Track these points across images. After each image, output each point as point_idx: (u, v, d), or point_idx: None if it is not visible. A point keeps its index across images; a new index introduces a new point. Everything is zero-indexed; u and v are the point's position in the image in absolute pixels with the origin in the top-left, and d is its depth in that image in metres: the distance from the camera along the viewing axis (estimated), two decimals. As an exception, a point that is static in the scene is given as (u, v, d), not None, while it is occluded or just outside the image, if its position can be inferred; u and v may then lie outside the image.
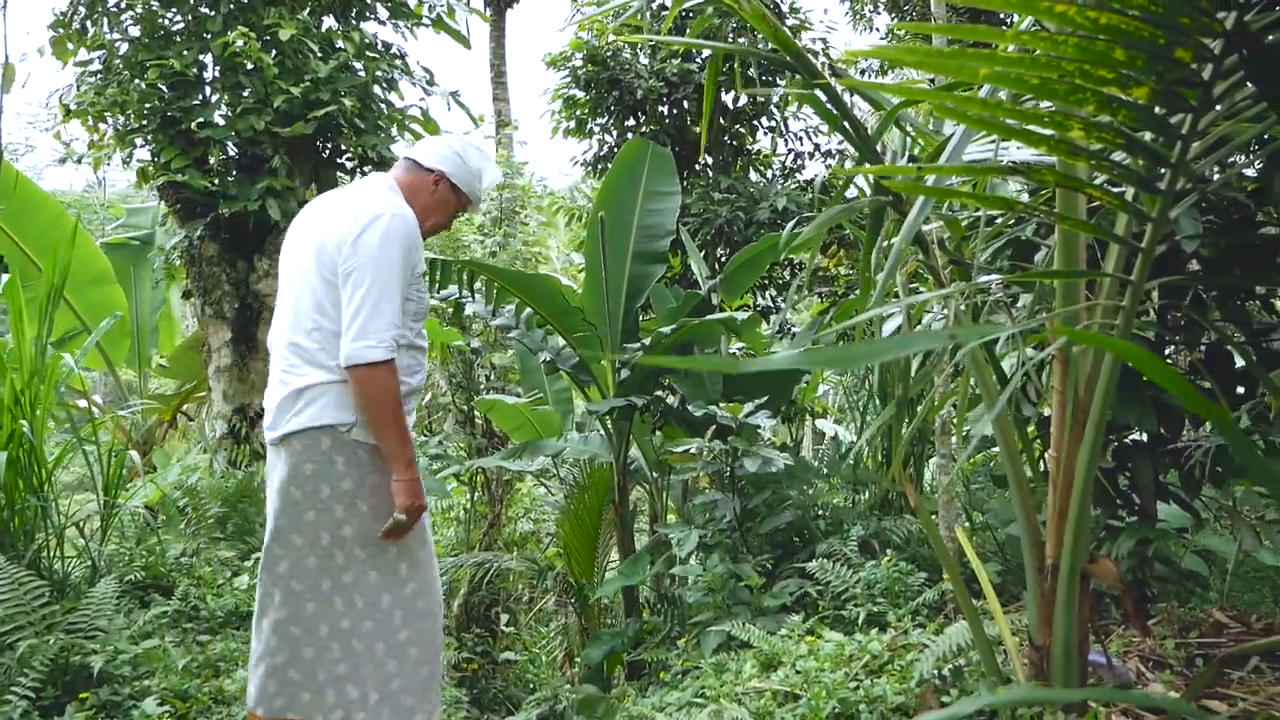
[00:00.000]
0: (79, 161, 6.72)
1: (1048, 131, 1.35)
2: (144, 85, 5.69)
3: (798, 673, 2.72)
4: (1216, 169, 2.32)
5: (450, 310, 6.44)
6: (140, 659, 2.98)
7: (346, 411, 2.22)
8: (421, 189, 2.44)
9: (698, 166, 9.51)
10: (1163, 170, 1.46)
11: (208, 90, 6.00)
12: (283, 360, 2.29)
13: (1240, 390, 2.66)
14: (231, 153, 6.05)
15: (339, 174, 6.55)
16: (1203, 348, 2.69)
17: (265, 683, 2.21)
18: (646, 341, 5.59)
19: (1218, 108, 1.38)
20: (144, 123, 5.83)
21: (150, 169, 6.12)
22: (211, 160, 5.90)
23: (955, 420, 3.15)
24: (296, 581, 2.23)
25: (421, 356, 2.44)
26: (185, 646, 3.38)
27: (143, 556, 3.97)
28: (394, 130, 6.56)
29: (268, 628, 2.23)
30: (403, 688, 2.25)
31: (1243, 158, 2.39)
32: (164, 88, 5.75)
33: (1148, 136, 1.44)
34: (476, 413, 9.96)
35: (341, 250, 2.21)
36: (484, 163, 2.55)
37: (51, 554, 3.51)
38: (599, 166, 9.67)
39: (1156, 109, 1.34)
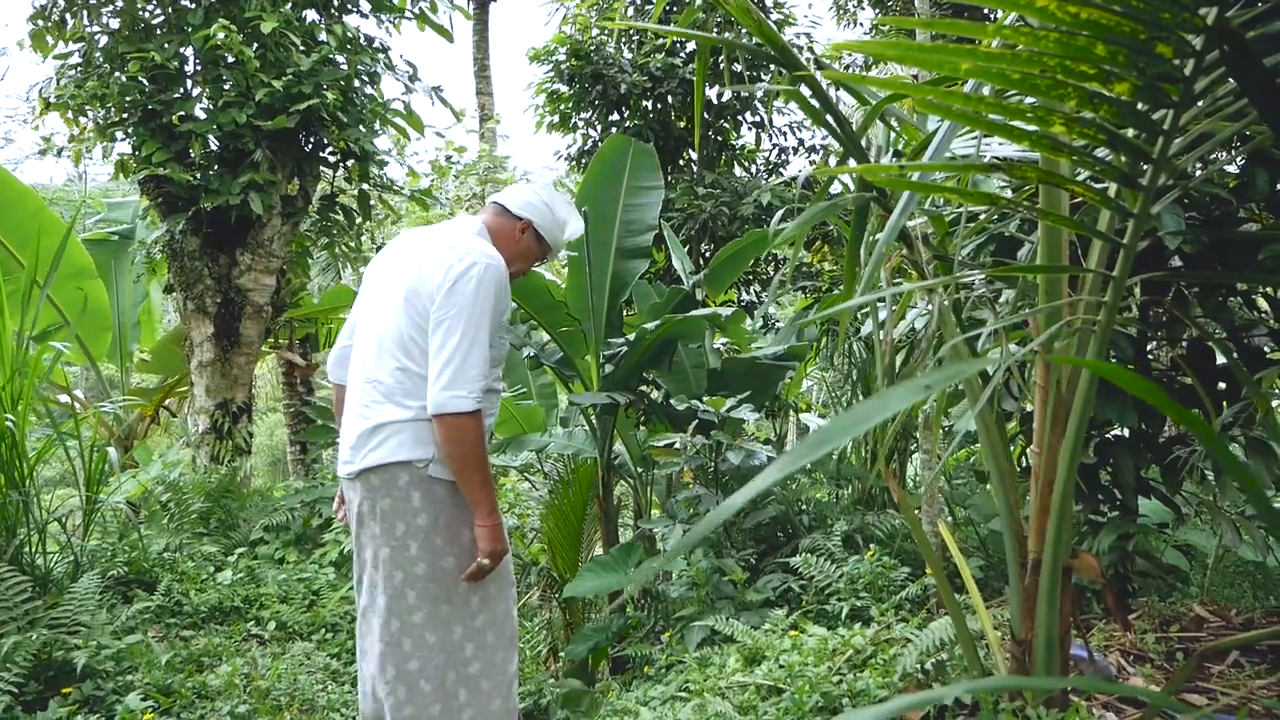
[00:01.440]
0: (59, 155, 6.65)
1: (1030, 127, 1.36)
2: (124, 78, 5.63)
3: (781, 667, 2.73)
4: (1199, 165, 2.34)
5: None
6: (123, 654, 2.96)
7: (423, 448, 2.24)
8: (509, 236, 2.48)
9: (682, 162, 9.51)
10: (1145, 166, 1.47)
11: (189, 83, 5.94)
12: (362, 394, 2.32)
13: (1222, 386, 2.68)
14: (213, 146, 6.00)
15: (321, 168, 6.51)
16: (1184, 344, 2.72)
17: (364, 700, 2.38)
18: (631, 337, 5.59)
19: (1199, 104, 1.39)
20: (124, 116, 5.77)
21: (131, 162, 6.06)
22: (193, 154, 5.85)
23: (937, 415, 3.16)
24: (374, 616, 2.29)
25: (497, 399, 2.48)
26: (168, 642, 3.36)
27: (125, 552, 3.95)
28: (377, 125, 6.52)
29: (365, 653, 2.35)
30: (473, 719, 2.27)
31: (1224, 154, 2.41)
32: (144, 81, 5.69)
33: (1130, 132, 1.45)
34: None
35: (434, 299, 2.23)
36: (570, 214, 2.59)
37: (34, 549, 3.48)
38: (583, 161, 9.66)
39: (1138, 104, 1.34)
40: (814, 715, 2.21)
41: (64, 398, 7.21)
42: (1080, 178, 1.84)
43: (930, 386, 1.00)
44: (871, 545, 4.16)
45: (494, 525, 2.26)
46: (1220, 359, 2.61)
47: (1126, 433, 2.84)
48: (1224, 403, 2.62)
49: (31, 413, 3.75)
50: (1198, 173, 2.28)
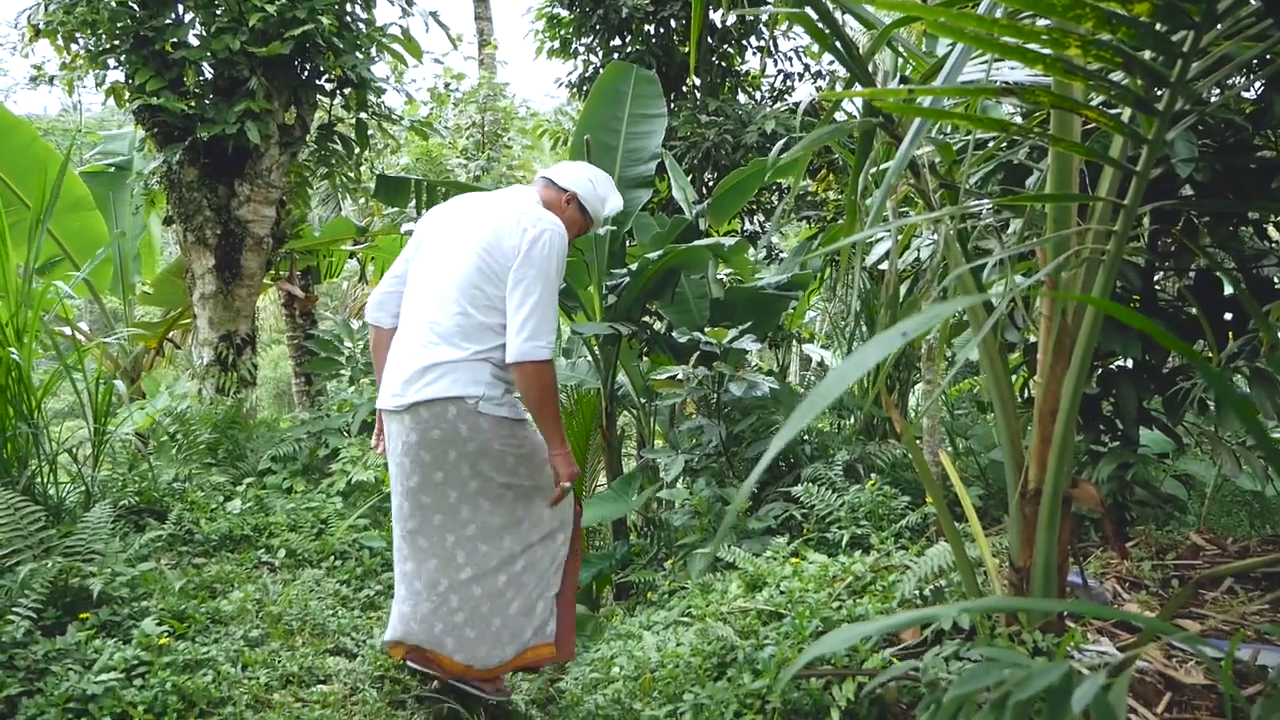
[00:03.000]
0: (51, 83, 6.53)
1: (1045, 50, 1.32)
2: (114, 3, 5.49)
3: (782, 593, 2.78)
4: (1215, 91, 2.28)
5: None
6: (137, 581, 3.02)
7: (474, 386, 2.47)
8: (557, 206, 2.74)
9: (685, 89, 9.31)
10: (1161, 91, 1.44)
11: (180, 9, 5.79)
12: (418, 335, 2.53)
13: (1228, 317, 2.67)
14: (207, 74, 5.88)
15: (319, 96, 6.39)
16: (1192, 274, 2.70)
17: (403, 621, 2.62)
18: (633, 267, 5.55)
19: (1220, 25, 1.35)
20: (116, 43, 5.64)
21: (123, 90, 5.94)
22: (187, 82, 5.73)
23: (940, 346, 3.16)
24: (423, 538, 2.56)
25: None
26: (181, 569, 3.43)
27: (135, 482, 4.00)
28: (373, 50, 6.38)
29: (399, 575, 2.61)
30: (521, 609, 2.62)
31: (1241, 79, 2.35)
32: (135, 6, 5.54)
33: (1147, 55, 1.41)
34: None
35: (513, 257, 2.49)
36: (609, 191, 2.87)
37: (45, 480, 3.53)
38: (584, 88, 9.46)
39: (1157, 25, 1.31)
40: (814, 639, 2.26)
41: (68, 330, 7.22)
42: (1094, 103, 1.80)
43: (907, 334, 1.01)
44: (873, 475, 4.20)
45: (566, 453, 2.60)
46: (1228, 290, 2.59)
47: (1130, 363, 2.84)
48: (1229, 334, 2.61)
49: (37, 345, 3.76)
50: (1214, 98, 2.22)
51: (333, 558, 3.86)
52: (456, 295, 2.49)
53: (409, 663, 2.77)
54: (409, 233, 6.85)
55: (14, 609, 2.60)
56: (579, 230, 2.83)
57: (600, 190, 2.83)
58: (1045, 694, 1.13)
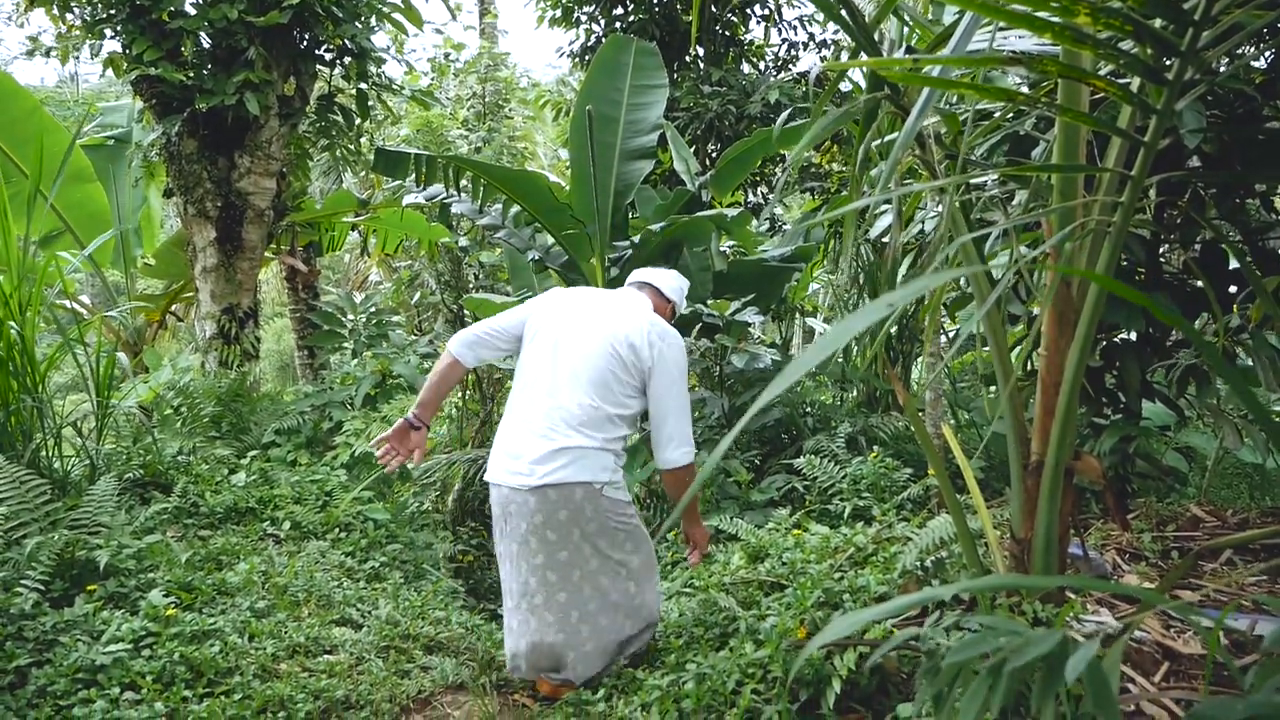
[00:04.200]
0: (47, 55, 6.46)
1: (1053, 18, 1.30)
2: (109, -30, 5.43)
3: (784, 564, 2.80)
4: (1225, 61, 2.25)
5: (436, 211, 6.33)
6: (144, 553, 3.04)
7: (601, 472, 2.70)
8: (664, 313, 3.04)
9: (687, 58, 9.21)
10: (1170, 60, 1.42)
11: (177, -24, 5.72)
12: (545, 418, 2.73)
13: (1233, 290, 2.66)
14: (205, 44, 5.82)
15: (318, 66, 6.33)
16: (1197, 247, 2.68)
17: (532, 653, 2.78)
18: (636, 239, 5.53)
19: (1231, -7, 1.33)
20: (111, 12, 5.57)
21: (121, 61, 5.88)
22: (185, 52, 5.68)
23: (933, 319, 3.15)
24: (550, 614, 2.75)
25: None
26: (187, 541, 3.45)
27: (140, 455, 4.01)
28: (373, 20, 6.31)
29: (528, 609, 2.78)
30: (610, 625, 2.81)
31: (1251, 49, 2.33)
32: (131, -27, 5.48)
33: (1157, 23, 1.39)
34: (466, 311, 9.92)
35: (645, 358, 2.76)
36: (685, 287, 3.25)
37: (50, 453, 3.54)
38: (585, 58, 9.37)
39: (1167, -6, 1.29)
40: (815, 610, 2.27)
41: (69, 304, 7.21)
42: (1103, 72, 1.78)
43: (893, 305, 1.02)
44: (875, 447, 4.21)
45: (703, 529, 3.06)
46: (1234, 263, 2.57)
47: (1134, 336, 2.83)
48: (1234, 307, 2.60)
49: (40, 319, 3.76)
50: (1223, 68, 2.20)
51: (337, 530, 3.88)
52: (588, 387, 2.73)
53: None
54: (411, 206, 6.83)
55: (22, 581, 2.62)
56: None
57: (684, 298, 3.21)
58: (1041, 662, 1.14)
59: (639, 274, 3.15)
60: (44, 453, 3.52)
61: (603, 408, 2.73)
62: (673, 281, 3.15)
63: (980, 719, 1.13)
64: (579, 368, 2.76)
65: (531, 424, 2.75)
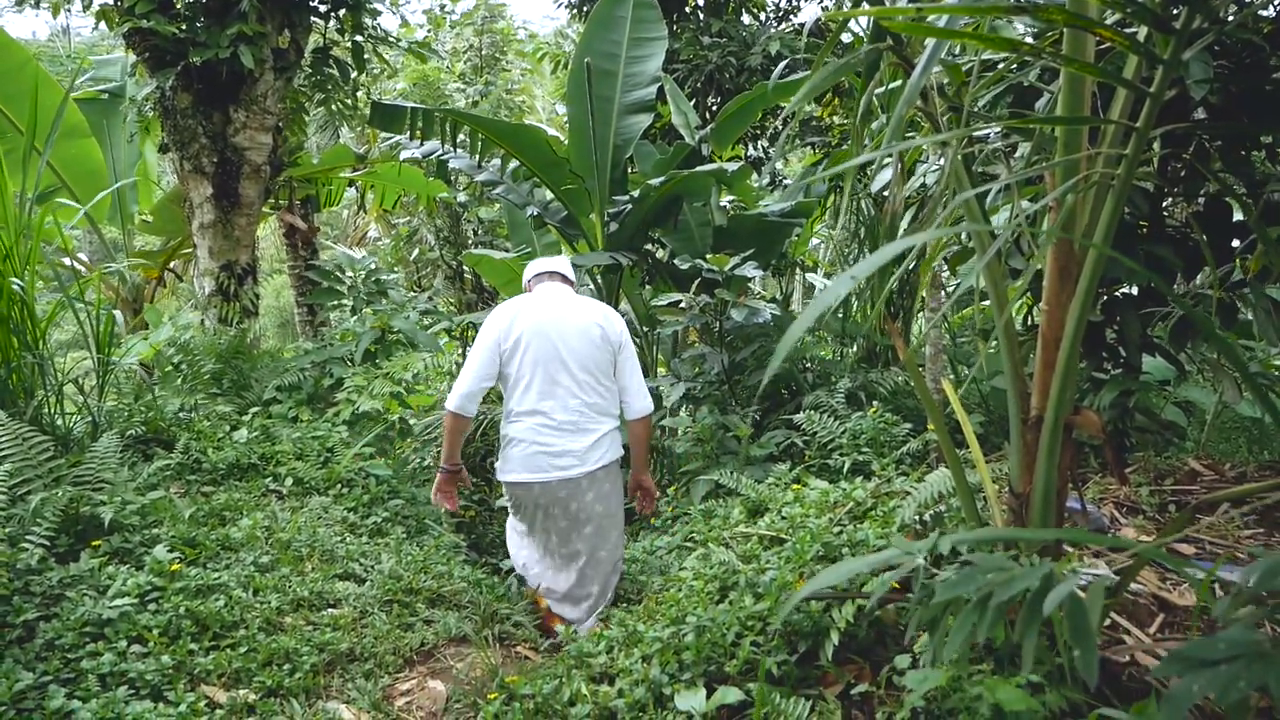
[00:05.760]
0: (37, 6, 6.35)
1: (1060, -34, 1.27)
2: (98, -81, 5.31)
3: (783, 518, 2.82)
4: (1233, 9, 2.21)
5: (434, 166, 6.26)
6: (147, 509, 3.07)
7: (619, 449, 3.41)
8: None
9: (687, 9, 9.06)
10: (1178, 9, 1.39)
11: (167, -76, 5.60)
12: (577, 414, 3.26)
13: (1237, 243, 2.63)
14: (198, -5, 5.72)
15: (312, 18, 6.23)
16: (1201, 200, 2.65)
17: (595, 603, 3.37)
18: (635, 194, 5.49)
19: (1242, -61, 1.30)
20: (102, -38, 5.48)
21: (112, 13, 5.79)
22: (177, 4, 5.58)
23: (925, 272, 3.14)
24: (566, 545, 3.38)
25: None
26: (190, 497, 3.47)
27: (142, 412, 4.02)
28: (368, -30, 6.20)
29: (578, 571, 3.37)
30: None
31: (1261, -4, 2.28)
32: (119, -78, 5.36)
33: (1165, -29, 1.37)
34: (465, 267, 9.88)
35: (614, 336, 3.35)
36: None
37: (52, 410, 3.55)
38: (584, 9, 9.20)
39: (1177, -60, 1.26)
40: (815, 564, 2.29)
41: (68, 260, 7.18)
42: (1109, 21, 1.75)
43: (855, 277, 1.03)
44: (874, 402, 4.21)
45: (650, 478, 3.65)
46: (1238, 215, 2.55)
47: (1134, 290, 2.82)
48: (1237, 260, 2.58)
49: (38, 277, 3.75)
50: (1232, 17, 2.15)
51: (339, 485, 3.91)
52: (599, 376, 3.30)
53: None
54: (408, 161, 6.75)
55: (27, 536, 2.64)
56: None
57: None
58: (1025, 595, 1.16)
59: (542, 265, 3.58)
60: (46, 410, 3.53)
61: (611, 388, 3.35)
62: (569, 266, 3.66)
63: (968, 646, 1.16)
64: (586, 362, 3.26)
65: (565, 422, 3.24)
